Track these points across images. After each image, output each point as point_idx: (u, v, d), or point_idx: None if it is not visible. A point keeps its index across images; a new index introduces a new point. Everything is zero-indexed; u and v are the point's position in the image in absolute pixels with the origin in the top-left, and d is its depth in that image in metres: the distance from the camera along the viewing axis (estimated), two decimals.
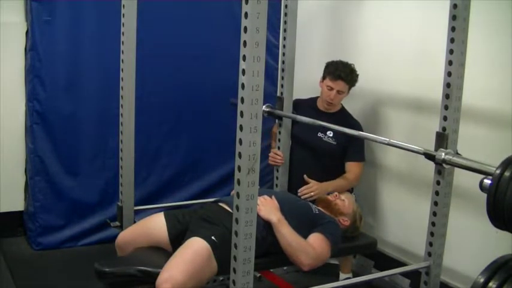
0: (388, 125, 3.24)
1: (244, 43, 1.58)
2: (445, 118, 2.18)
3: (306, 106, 3.23)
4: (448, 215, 2.27)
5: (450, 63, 2.14)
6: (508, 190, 1.40)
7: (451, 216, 2.28)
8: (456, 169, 2.19)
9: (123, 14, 2.49)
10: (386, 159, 3.28)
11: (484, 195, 1.49)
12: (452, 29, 2.11)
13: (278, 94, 3.19)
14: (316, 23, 3.71)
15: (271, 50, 3.76)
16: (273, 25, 3.64)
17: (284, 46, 3.07)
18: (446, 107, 2.17)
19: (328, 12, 3.70)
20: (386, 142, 2.45)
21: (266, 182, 3.73)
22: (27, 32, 3.34)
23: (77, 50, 3.38)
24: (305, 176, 2.94)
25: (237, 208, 1.67)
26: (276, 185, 3.21)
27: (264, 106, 2.99)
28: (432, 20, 2.86)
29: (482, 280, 1.35)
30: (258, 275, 3.13)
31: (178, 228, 2.32)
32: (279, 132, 3.17)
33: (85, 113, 3.46)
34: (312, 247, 2.33)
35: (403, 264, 2.96)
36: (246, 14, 1.56)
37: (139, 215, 2.73)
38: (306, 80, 3.34)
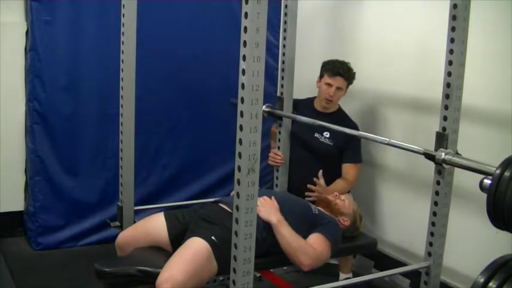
0: (388, 125, 3.24)
1: (244, 43, 1.58)
2: (445, 118, 2.18)
3: (303, 107, 3.23)
4: (448, 215, 2.27)
5: (450, 63, 2.14)
6: (508, 190, 1.40)
7: (451, 216, 2.28)
8: (456, 169, 2.19)
9: (123, 14, 2.49)
10: (386, 160, 3.28)
11: (484, 195, 1.49)
12: (452, 29, 2.11)
13: (278, 94, 3.19)
14: (316, 23, 3.71)
15: (271, 50, 3.76)
16: (273, 25, 3.64)
17: (284, 46, 3.07)
18: (446, 107, 2.17)
19: (328, 12, 3.70)
20: (386, 142, 2.45)
21: (266, 182, 3.74)
22: (27, 32, 3.34)
23: (77, 50, 3.38)
24: (320, 173, 2.93)
25: (237, 208, 1.67)
26: (276, 185, 3.21)
27: (264, 106, 2.99)
28: (432, 20, 2.86)
29: (482, 280, 1.35)
30: (258, 275, 3.13)
31: (178, 228, 2.32)
32: (279, 132, 3.17)
33: (85, 113, 3.46)
34: (312, 247, 2.33)
35: (403, 264, 2.96)
36: (246, 14, 1.56)
37: (139, 215, 2.73)
38: (306, 80, 3.34)
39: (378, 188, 3.36)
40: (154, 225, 2.35)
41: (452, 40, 2.12)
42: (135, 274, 2.15)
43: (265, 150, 3.22)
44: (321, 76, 3.12)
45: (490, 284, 1.33)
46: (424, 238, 2.32)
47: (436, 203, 2.25)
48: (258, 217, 2.08)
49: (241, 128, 1.62)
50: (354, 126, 3.08)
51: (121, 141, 2.63)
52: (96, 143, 3.51)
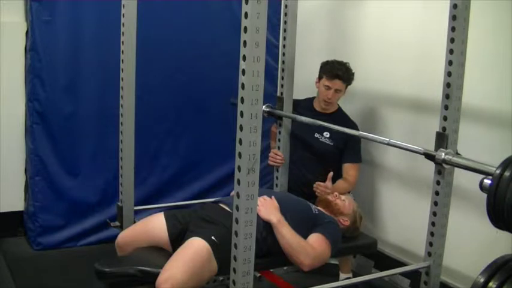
0: (387, 125, 3.24)
1: (244, 43, 1.58)
2: (445, 118, 2.18)
3: (302, 107, 3.23)
4: (448, 215, 2.26)
5: (450, 63, 2.14)
6: (508, 190, 1.40)
7: (451, 216, 2.28)
8: (456, 169, 2.19)
9: (123, 14, 2.49)
10: (386, 160, 3.28)
11: (484, 195, 1.49)
12: (452, 29, 2.11)
13: (278, 94, 3.19)
14: (316, 23, 3.71)
15: (271, 50, 3.76)
16: (273, 25, 3.64)
17: (284, 46, 3.06)
18: (446, 107, 2.17)
19: (328, 12, 3.70)
20: (386, 142, 2.45)
21: (266, 182, 3.73)
22: (27, 32, 3.34)
23: (77, 50, 3.38)
24: (330, 175, 2.91)
25: (237, 208, 1.67)
26: (276, 185, 3.21)
27: (264, 106, 2.99)
28: (432, 20, 2.86)
29: (482, 280, 1.35)
30: (258, 275, 3.13)
31: (178, 228, 2.32)
32: (279, 132, 3.17)
33: (85, 113, 3.46)
34: (312, 247, 2.33)
35: (403, 264, 2.96)
36: (246, 14, 1.56)
37: (139, 215, 2.73)
38: (306, 80, 3.34)
39: (378, 188, 3.36)
40: (154, 226, 2.35)
41: (452, 40, 2.12)
42: (135, 274, 2.14)
43: (265, 150, 3.23)
44: (320, 77, 3.12)
45: (490, 284, 1.34)
46: (424, 238, 2.32)
47: (436, 203, 2.25)
48: (258, 217, 2.08)
49: (241, 128, 1.62)
50: (354, 126, 3.08)
51: (121, 141, 2.63)
52: (96, 143, 3.51)
